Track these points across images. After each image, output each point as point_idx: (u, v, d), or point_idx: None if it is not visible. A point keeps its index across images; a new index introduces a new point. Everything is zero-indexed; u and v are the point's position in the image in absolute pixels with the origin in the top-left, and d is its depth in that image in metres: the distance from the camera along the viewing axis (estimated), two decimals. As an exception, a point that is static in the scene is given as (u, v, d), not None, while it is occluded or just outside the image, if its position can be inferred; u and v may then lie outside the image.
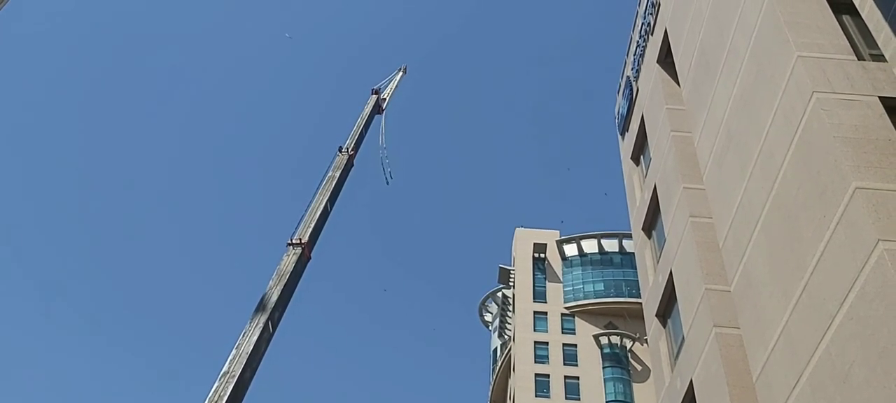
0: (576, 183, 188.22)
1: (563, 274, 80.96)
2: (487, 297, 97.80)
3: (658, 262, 24.51)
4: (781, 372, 14.50)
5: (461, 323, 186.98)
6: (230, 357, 27.91)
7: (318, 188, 39.50)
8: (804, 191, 14.21)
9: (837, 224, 12.89)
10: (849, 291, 12.31)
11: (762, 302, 15.69)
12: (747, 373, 17.14)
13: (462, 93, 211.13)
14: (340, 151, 43.18)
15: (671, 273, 22.50)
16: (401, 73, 57.57)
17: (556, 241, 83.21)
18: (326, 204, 38.21)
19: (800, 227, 14.23)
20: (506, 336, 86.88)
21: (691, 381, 19.85)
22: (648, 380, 68.36)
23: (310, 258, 35.17)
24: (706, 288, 19.58)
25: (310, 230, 35.55)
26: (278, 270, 32.93)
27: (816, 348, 13.15)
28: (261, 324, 29.39)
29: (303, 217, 36.90)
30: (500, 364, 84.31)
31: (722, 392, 17.64)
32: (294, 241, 34.70)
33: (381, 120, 54.29)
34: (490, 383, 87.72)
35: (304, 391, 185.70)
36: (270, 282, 32.23)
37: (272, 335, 30.37)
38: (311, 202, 38.08)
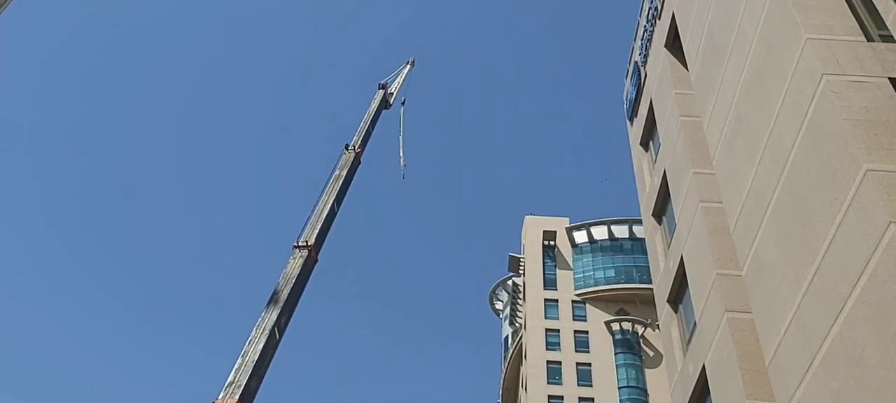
0: (585, 170, 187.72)
1: (573, 261, 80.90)
2: (498, 285, 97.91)
3: (669, 248, 24.46)
4: (794, 356, 14.48)
5: (472, 312, 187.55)
6: (235, 367, 27.46)
7: (324, 187, 39.05)
8: (815, 175, 14.14)
9: (848, 207, 12.83)
10: (861, 274, 12.26)
11: (774, 287, 15.65)
12: (759, 357, 17.13)
13: (469, 82, 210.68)
14: (347, 149, 42.68)
15: (682, 258, 22.45)
16: (408, 66, 57.33)
17: (566, 228, 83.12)
18: (333, 204, 37.67)
19: (811, 211, 14.17)
20: (517, 324, 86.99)
21: (704, 366, 19.84)
22: (660, 366, 68.34)
23: (317, 260, 34.58)
24: (717, 273, 19.54)
25: (316, 231, 34.99)
26: (285, 274, 32.42)
27: (829, 331, 13.11)
28: (267, 331, 28.82)
29: (309, 217, 36.39)
30: (511, 351, 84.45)
31: (734, 377, 17.63)
32: (300, 243, 34.21)
33: (399, 118, 54.08)
34: (502, 371, 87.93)
35: (316, 380, 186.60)
36: (276, 287, 31.76)
37: (279, 341, 29.80)
38: (317, 202, 37.58)
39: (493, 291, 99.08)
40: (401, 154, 52.97)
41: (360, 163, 42.77)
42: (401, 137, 53.39)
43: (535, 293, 78.17)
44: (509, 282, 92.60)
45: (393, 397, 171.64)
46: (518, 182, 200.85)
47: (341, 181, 39.59)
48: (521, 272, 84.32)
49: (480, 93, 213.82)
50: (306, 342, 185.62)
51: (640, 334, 73.54)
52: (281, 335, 30.10)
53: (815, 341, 13.59)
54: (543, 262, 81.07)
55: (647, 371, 71.13)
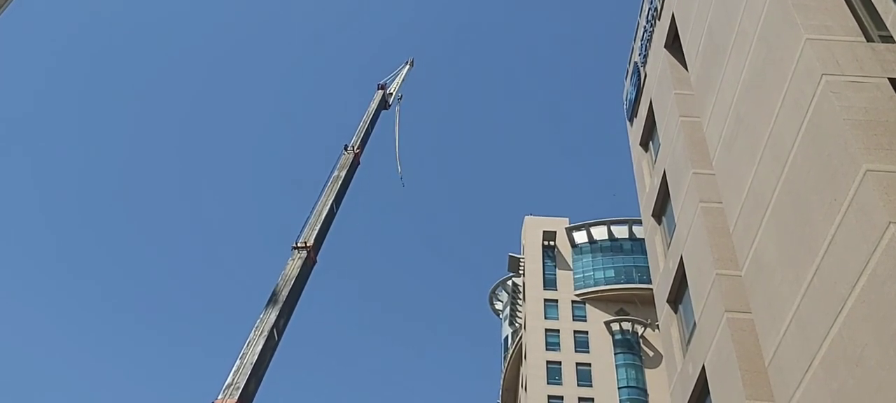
0: (585, 170, 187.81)
1: (572, 262, 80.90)
2: (498, 286, 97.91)
3: (668, 248, 24.47)
4: (793, 356, 14.49)
5: (472, 312, 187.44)
6: (233, 368, 27.32)
7: (323, 188, 38.87)
8: (814, 175, 14.15)
9: (848, 207, 12.84)
10: (860, 274, 12.27)
11: (773, 287, 15.67)
12: (759, 357, 17.13)
13: (469, 82, 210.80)
14: (346, 150, 42.51)
15: (682, 258, 22.46)
16: (407, 66, 57.16)
17: (566, 229, 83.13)
18: (332, 204, 37.45)
19: (810, 211, 14.19)
20: (517, 325, 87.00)
21: (703, 366, 19.85)
22: (660, 366, 68.36)
23: (316, 261, 34.40)
24: (717, 274, 19.54)
25: (315, 232, 34.83)
26: (283, 275, 32.24)
27: (828, 331, 13.13)
28: (265, 333, 28.63)
29: (308, 219, 36.21)
30: (511, 352, 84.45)
31: (734, 377, 17.63)
32: (299, 245, 34.04)
33: (395, 116, 53.74)
34: (502, 371, 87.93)
35: (316, 380, 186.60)
36: (275, 288, 31.57)
37: (277, 343, 29.61)
38: (316, 203, 37.37)
39: (493, 291, 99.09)
40: (397, 161, 52.60)
41: (359, 163, 42.61)
42: (397, 144, 53.02)
43: (534, 293, 78.16)
44: (509, 282, 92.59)
45: (393, 397, 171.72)
46: (518, 182, 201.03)
47: (340, 181, 39.41)
48: (520, 272, 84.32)
49: (480, 94, 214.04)
50: (306, 342, 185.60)
51: (639, 334, 73.53)
52: (279, 336, 29.92)
53: (815, 341, 13.60)
54: (543, 262, 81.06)
55: (647, 372, 71.13)
